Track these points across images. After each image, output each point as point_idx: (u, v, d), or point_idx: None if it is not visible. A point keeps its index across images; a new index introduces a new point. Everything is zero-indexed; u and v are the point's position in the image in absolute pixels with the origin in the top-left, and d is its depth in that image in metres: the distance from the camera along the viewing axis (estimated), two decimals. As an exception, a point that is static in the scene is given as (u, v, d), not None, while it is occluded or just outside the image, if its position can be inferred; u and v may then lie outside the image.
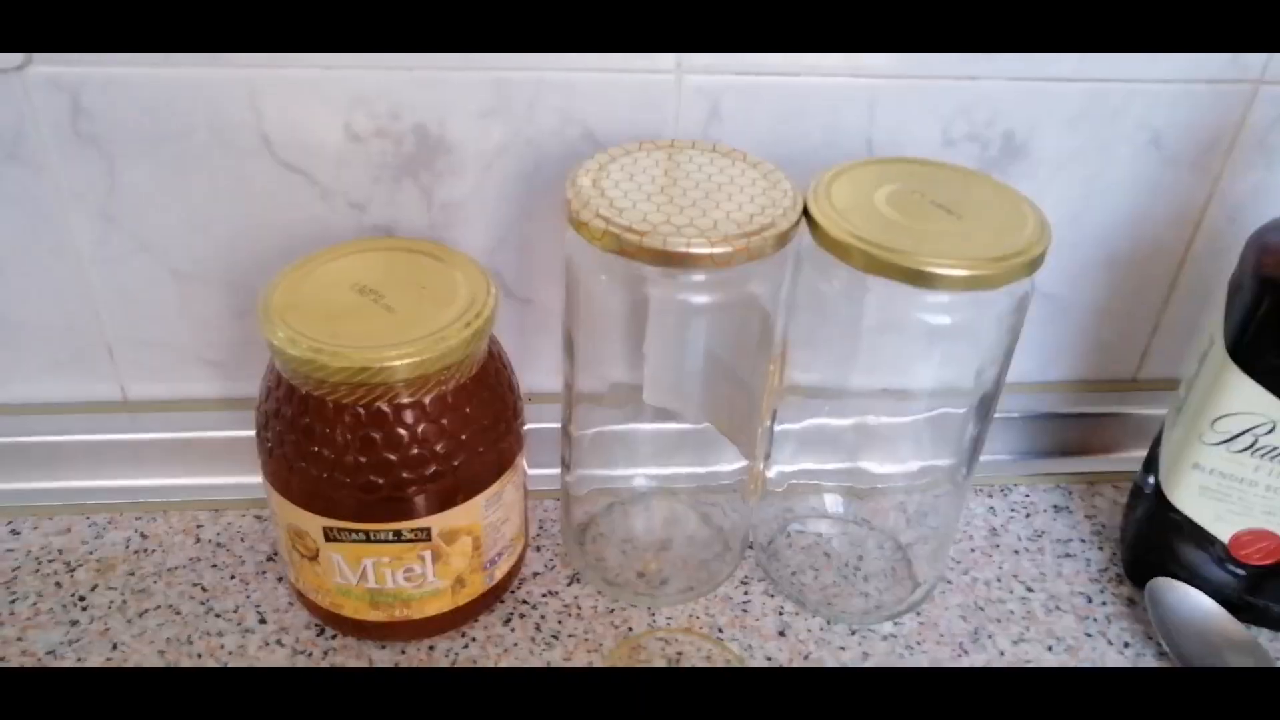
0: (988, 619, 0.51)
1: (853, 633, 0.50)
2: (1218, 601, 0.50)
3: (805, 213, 0.42)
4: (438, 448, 0.42)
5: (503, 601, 0.50)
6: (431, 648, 0.48)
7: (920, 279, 0.40)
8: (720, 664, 0.47)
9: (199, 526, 0.53)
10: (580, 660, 0.48)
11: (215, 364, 0.55)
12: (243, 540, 0.53)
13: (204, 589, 0.50)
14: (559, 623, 0.50)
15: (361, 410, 0.41)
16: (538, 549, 0.53)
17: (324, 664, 0.47)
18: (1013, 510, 0.58)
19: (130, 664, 0.47)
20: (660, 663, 0.47)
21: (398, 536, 0.43)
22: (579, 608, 0.50)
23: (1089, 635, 0.51)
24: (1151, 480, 0.52)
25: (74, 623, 0.48)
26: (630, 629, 0.50)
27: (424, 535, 0.44)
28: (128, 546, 0.52)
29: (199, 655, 0.47)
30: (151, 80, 0.46)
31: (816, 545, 0.54)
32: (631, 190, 0.42)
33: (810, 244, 0.43)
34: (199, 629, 0.48)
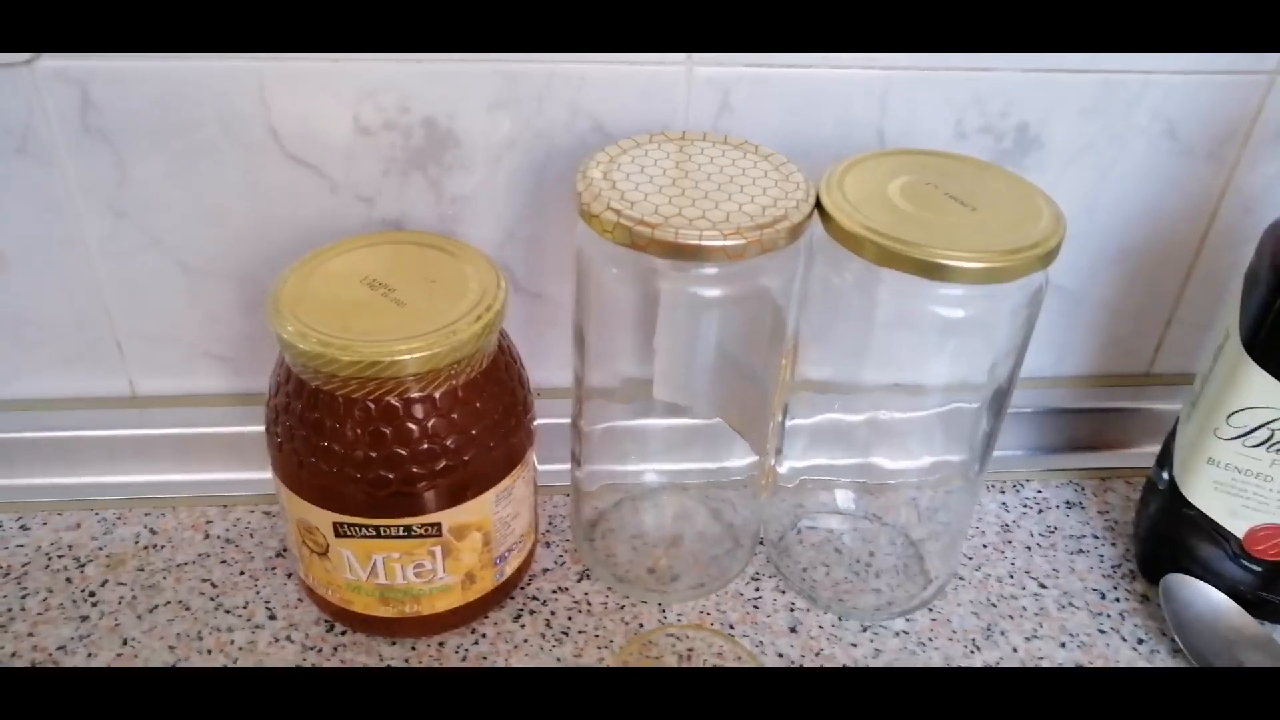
0: (1000, 615, 0.51)
1: (864, 629, 0.50)
2: (1232, 598, 0.50)
3: (818, 205, 0.42)
4: (448, 442, 0.42)
5: (513, 598, 0.50)
6: (441, 644, 0.48)
7: (934, 271, 0.39)
8: (731, 661, 0.47)
9: (208, 522, 0.53)
10: (591, 656, 0.48)
11: (224, 359, 0.55)
12: (252, 536, 0.53)
13: (213, 585, 0.50)
14: (569, 619, 0.49)
15: (371, 405, 0.41)
16: (547, 545, 0.53)
17: (334, 660, 0.47)
18: (1025, 506, 0.57)
19: (140, 659, 0.47)
20: (671, 659, 0.47)
21: (408, 532, 0.43)
22: (589, 604, 0.50)
23: (1102, 631, 0.51)
24: (1165, 475, 0.51)
25: (84, 618, 0.48)
26: (641, 625, 0.49)
27: (434, 530, 0.43)
28: (137, 542, 0.52)
29: (209, 651, 0.47)
30: (160, 73, 0.46)
31: (828, 541, 0.54)
32: (643, 183, 0.42)
33: (822, 236, 0.43)
34: (209, 625, 0.48)
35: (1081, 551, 0.55)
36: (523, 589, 0.51)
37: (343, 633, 0.48)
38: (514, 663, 0.47)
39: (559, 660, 0.48)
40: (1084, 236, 0.55)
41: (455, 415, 0.42)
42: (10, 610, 0.48)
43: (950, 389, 0.48)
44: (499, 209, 0.51)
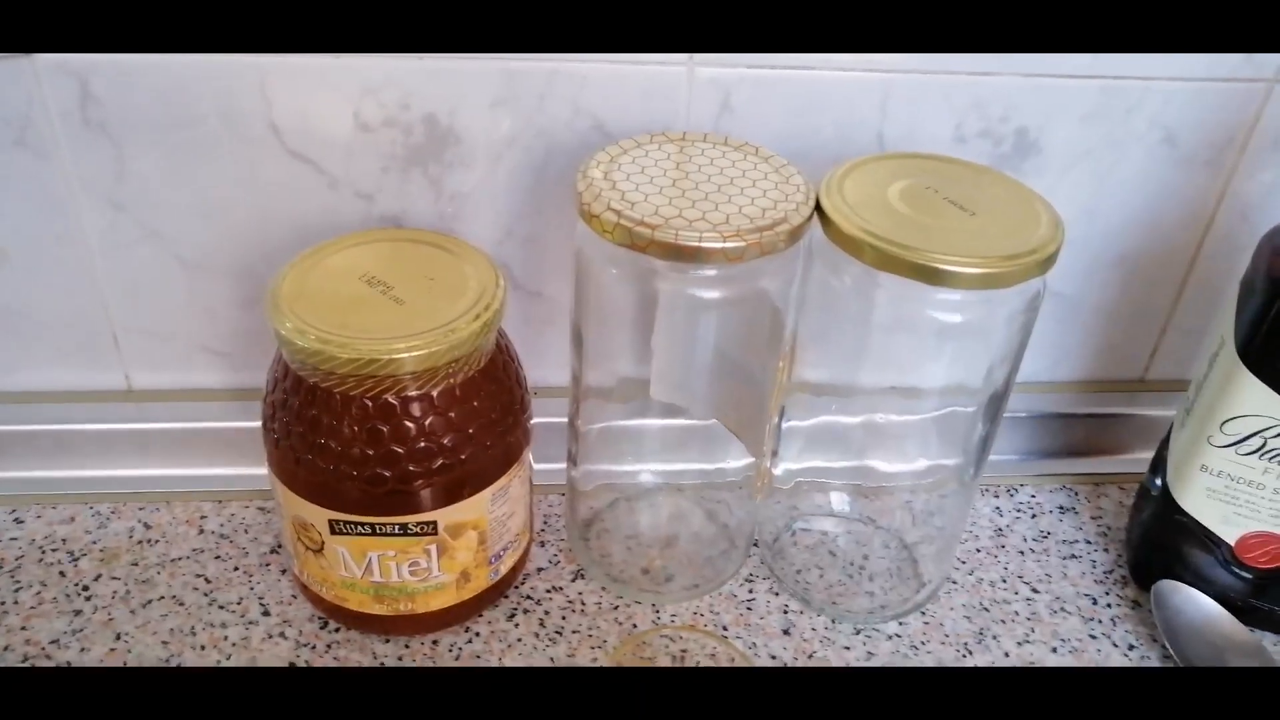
0: (992, 620, 0.51)
1: (857, 632, 0.50)
2: (1223, 605, 0.50)
3: (817, 208, 0.42)
4: (445, 441, 0.42)
5: (507, 597, 0.50)
6: (435, 642, 0.48)
7: (932, 276, 0.39)
8: (725, 662, 0.47)
9: (203, 517, 0.53)
10: (584, 656, 0.48)
11: (221, 354, 0.55)
12: (246, 532, 0.53)
13: (207, 580, 0.50)
14: (563, 619, 0.49)
15: (369, 402, 0.41)
16: (542, 544, 0.53)
17: (327, 657, 0.47)
18: (1018, 510, 0.57)
19: (133, 654, 0.47)
20: (665, 660, 0.47)
21: (403, 530, 0.43)
22: (583, 604, 0.50)
23: (1093, 637, 0.51)
24: (1158, 482, 0.51)
25: (77, 612, 0.48)
26: (635, 626, 0.49)
27: (430, 529, 0.43)
28: (131, 536, 0.52)
29: (202, 647, 0.47)
30: (161, 67, 0.46)
31: (822, 544, 0.54)
32: (643, 183, 0.42)
33: (821, 239, 0.43)
34: (202, 620, 0.48)
35: (1074, 557, 0.55)
36: (517, 588, 0.51)
37: (336, 630, 0.48)
38: (507, 662, 0.47)
39: (552, 660, 0.48)
40: (1081, 242, 0.55)
41: (453, 414, 0.42)
42: (3, 603, 0.48)
43: (946, 393, 0.48)
44: (498, 207, 0.51)
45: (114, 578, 0.50)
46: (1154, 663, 0.50)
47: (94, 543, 0.52)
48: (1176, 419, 0.51)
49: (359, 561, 0.44)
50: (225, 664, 0.46)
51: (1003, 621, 0.51)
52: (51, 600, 0.49)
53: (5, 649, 0.46)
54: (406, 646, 0.48)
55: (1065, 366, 0.61)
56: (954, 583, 0.53)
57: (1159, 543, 0.51)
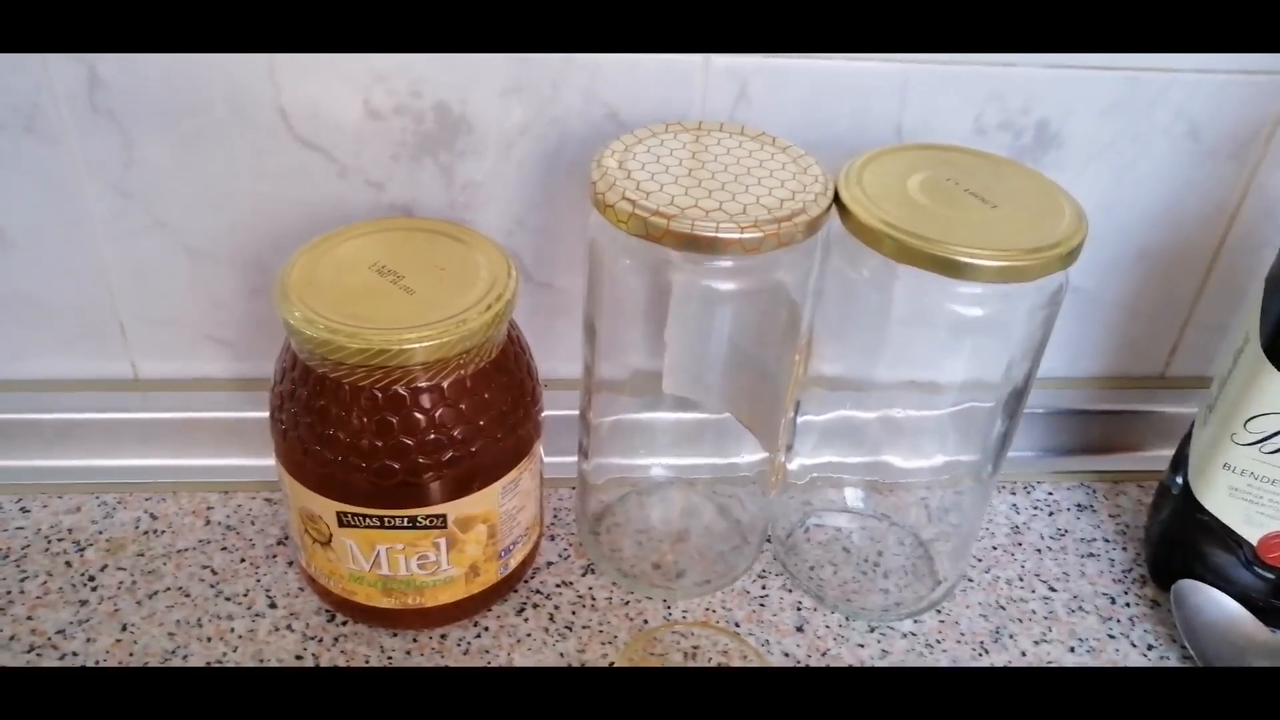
0: (1009, 618, 0.50)
1: (872, 630, 0.49)
2: (1244, 605, 0.49)
3: (836, 198, 0.41)
4: (455, 433, 0.41)
5: (516, 591, 0.50)
6: (443, 636, 0.47)
7: (952, 269, 0.39)
8: (737, 659, 0.46)
9: (209, 508, 0.53)
10: (594, 651, 0.47)
11: (228, 343, 0.54)
12: (253, 523, 0.52)
13: (214, 571, 0.50)
14: (573, 614, 0.49)
15: (378, 393, 0.40)
16: (552, 538, 0.53)
17: (334, 650, 0.47)
18: (1036, 508, 0.57)
19: (139, 645, 0.46)
20: (676, 657, 0.47)
21: (412, 523, 0.43)
22: (593, 599, 0.50)
23: (1112, 637, 0.50)
24: (1179, 480, 0.51)
25: (83, 603, 0.48)
26: (645, 621, 0.49)
27: (439, 522, 0.43)
28: (137, 527, 0.51)
29: (208, 639, 0.47)
30: (170, 54, 0.45)
31: (836, 540, 0.53)
32: (658, 173, 0.41)
33: (839, 231, 0.42)
34: (208, 612, 0.48)
35: (1092, 555, 0.54)
36: (526, 582, 0.50)
37: (344, 623, 0.48)
38: (516, 657, 0.47)
39: (562, 655, 0.47)
40: (1102, 236, 0.54)
41: (463, 406, 0.41)
42: (9, 593, 0.48)
43: (965, 388, 0.47)
44: (510, 196, 0.50)
45: (120, 568, 0.49)
46: (1173, 663, 0.49)
47: (100, 533, 0.51)
48: (1198, 416, 0.51)
49: (367, 554, 0.44)
50: (231, 656, 0.46)
51: (1019, 620, 0.50)
52: (57, 590, 0.48)
53: (11, 639, 0.46)
54: (414, 640, 0.47)
55: (1084, 362, 0.60)
56: (970, 581, 0.52)
57: (1179, 541, 0.51)
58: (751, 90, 0.48)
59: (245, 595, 0.49)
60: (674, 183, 0.40)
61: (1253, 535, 0.48)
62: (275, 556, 0.50)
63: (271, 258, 0.51)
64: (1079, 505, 0.57)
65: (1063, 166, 0.52)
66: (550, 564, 0.51)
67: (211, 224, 0.50)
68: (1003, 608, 0.51)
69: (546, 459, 0.49)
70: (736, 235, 0.38)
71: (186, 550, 0.50)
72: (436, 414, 0.41)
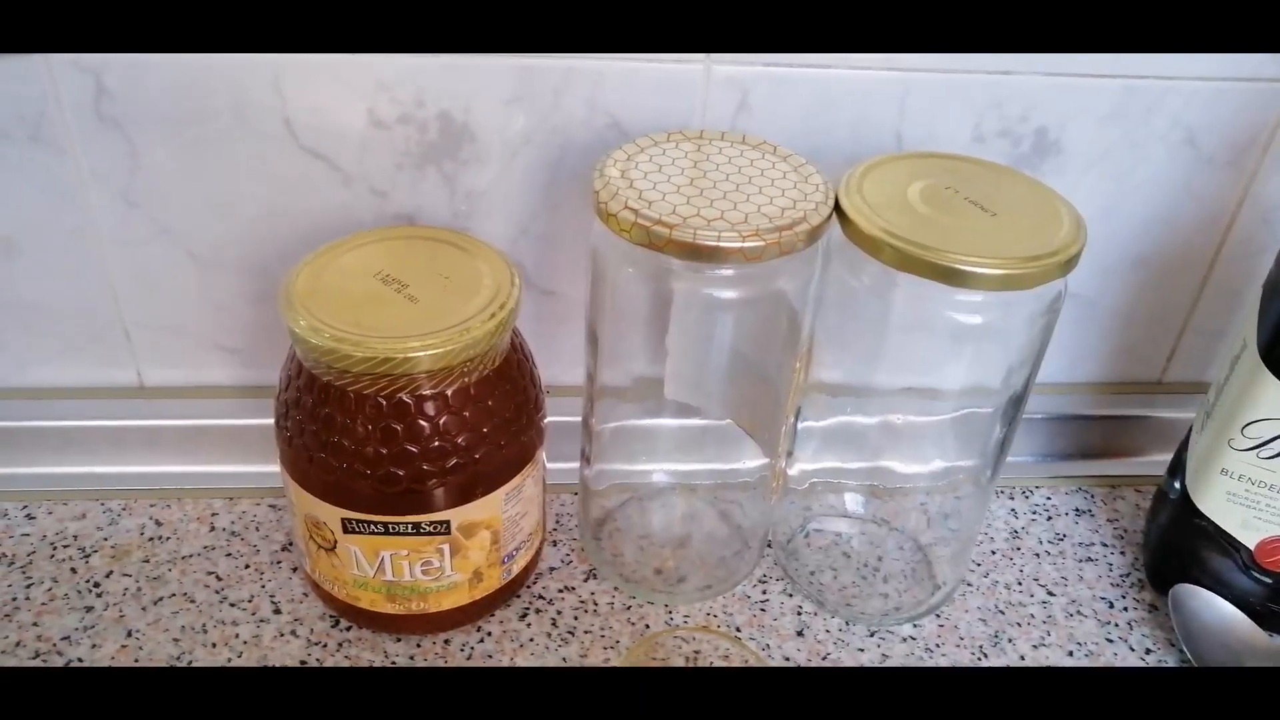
0: (1008, 623, 0.51)
1: (872, 634, 0.50)
2: (1241, 609, 0.49)
3: (836, 207, 0.42)
4: (459, 440, 0.42)
5: (519, 596, 0.50)
6: (447, 642, 0.48)
7: (952, 277, 0.39)
8: (738, 664, 0.47)
9: (214, 515, 0.53)
10: (596, 656, 0.48)
11: (233, 350, 0.55)
12: (258, 529, 0.52)
13: (219, 578, 0.50)
14: (575, 619, 0.49)
15: (383, 401, 0.40)
16: (554, 544, 0.53)
17: (338, 656, 0.47)
18: (1034, 512, 0.57)
19: (144, 652, 0.46)
20: (678, 662, 0.47)
21: (416, 529, 0.43)
22: (595, 604, 0.50)
23: (1110, 641, 0.50)
24: (1177, 485, 0.51)
25: (89, 609, 0.48)
26: (647, 626, 0.49)
27: (443, 528, 0.43)
28: (142, 533, 0.52)
29: (213, 645, 0.47)
30: (175, 63, 0.45)
31: (836, 545, 0.54)
32: (660, 182, 0.41)
33: (839, 239, 0.42)
34: (213, 618, 0.48)
35: (1090, 560, 0.54)
36: (529, 587, 0.50)
37: (348, 629, 0.48)
38: (519, 662, 0.47)
39: (564, 660, 0.47)
40: (1100, 242, 0.54)
41: (467, 413, 0.42)
42: (15, 600, 0.48)
43: (964, 394, 0.47)
44: (513, 205, 0.51)
45: (125, 574, 0.50)
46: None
47: (105, 539, 0.51)
48: (1196, 422, 0.51)
49: (371, 560, 0.44)
50: (236, 662, 0.46)
51: (1018, 624, 0.51)
52: (63, 597, 0.48)
53: (17, 645, 0.46)
54: (418, 646, 0.48)
55: (1082, 368, 0.60)
56: (969, 585, 0.52)
57: (1177, 546, 0.51)
58: (752, 99, 0.48)
59: (250, 601, 0.49)
60: (676, 192, 0.41)
61: (1250, 540, 0.48)
62: (280, 563, 0.51)
63: (276, 265, 0.51)
64: (1077, 510, 0.57)
65: (1061, 173, 0.52)
66: (553, 569, 0.52)
67: (216, 232, 0.50)
68: (1001, 612, 0.51)
69: (549, 465, 0.49)
70: (738, 244, 0.39)
71: (191, 556, 0.51)
72: (440, 421, 0.41)
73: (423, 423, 0.41)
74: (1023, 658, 0.49)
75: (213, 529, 0.52)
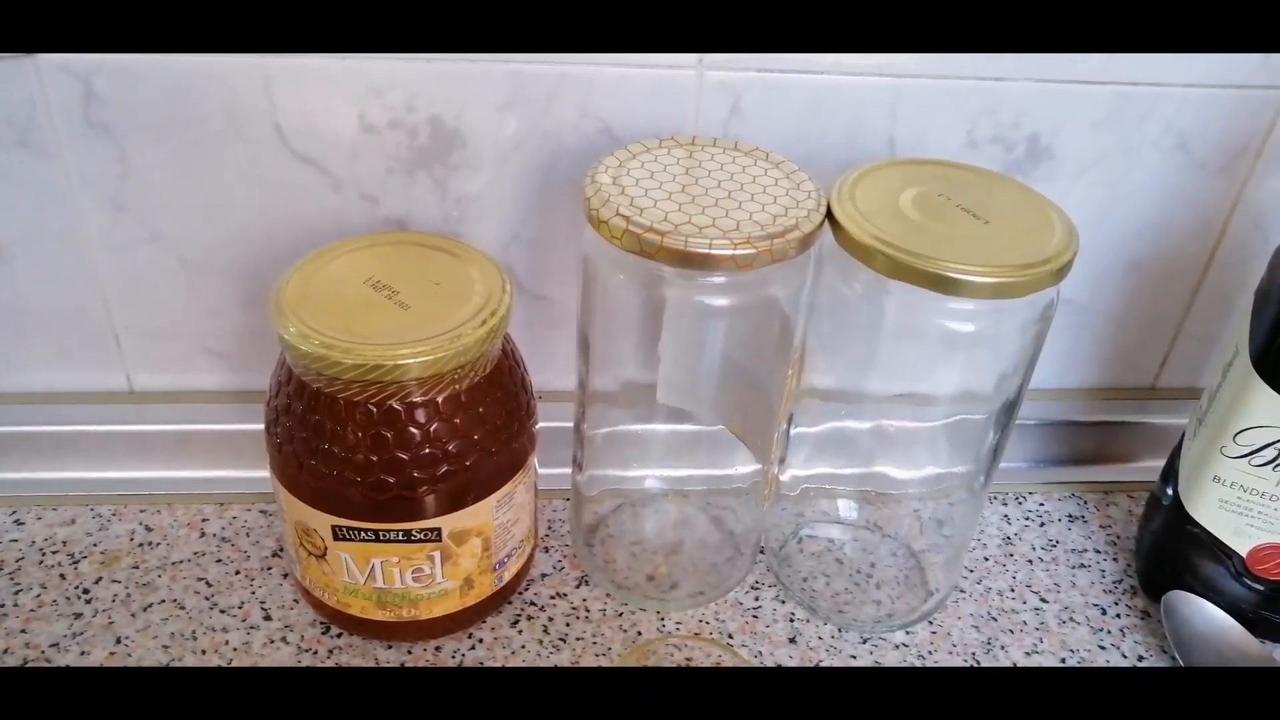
0: (1000, 630, 0.51)
1: (864, 641, 0.49)
2: (1233, 616, 0.49)
3: (829, 214, 0.42)
4: (450, 447, 0.41)
5: (510, 603, 0.50)
6: (438, 649, 0.48)
7: (944, 285, 0.39)
8: (731, 670, 0.47)
9: (204, 520, 0.53)
10: (588, 663, 0.47)
11: (223, 356, 0.54)
12: (248, 535, 0.52)
13: (209, 584, 0.50)
14: (567, 625, 0.49)
15: (373, 408, 0.40)
16: (546, 550, 0.53)
17: (329, 663, 0.47)
18: (1027, 519, 0.57)
19: (134, 659, 0.46)
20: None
21: (407, 536, 0.43)
22: (587, 610, 0.50)
23: (1102, 648, 0.50)
24: (1170, 491, 0.51)
25: (77, 615, 0.48)
26: (639, 633, 0.49)
27: (434, 535, 0.43)
28: (132, 539, 0.52)
29: (203, 652, 0.47)
30: (165, 67, 0.45)
31: (829, 551, 0.54)
32: (652, 189, 0.41)
33: (831, 245, 0.42)
34: (203, 624, 0.48)
35: (1083, 566, 0.54)
36: (521, 594, 0.50)
37: (339, 635, 0.48)
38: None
39: (556, 667, 0.47)
40: (1092, 248, 0.54)
41: (458, 420, 0.41)
42: (3, 606, 0.48)
43: (957, 401, 0.47)
44: (504, 210, 0.51)
45: (115, 580, 0.49)
46: (1163, 675, 0.49)
47: (95, 545, 0.51)
48: (1188, 428, 0.51)
49: (362, 567, 0.44)
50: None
51: (1011, 631, 0.51)
52: (51, 603, 0.48)
53: (5, 652, 0.46)
54: (409, 653, 0.47)
55: (1075, 374, 0.60)
56: (962, 592, 0.52)
57: (1169, 553, 0.51)
58: (745, 105, 0.48)
59: (240, 608, 0.49)
60: (667, 198, 0.41)
61: (1242, 547, 0.48)
62: (270, 569, 0.51)
63: (267, 270, 0.51)
64: (1070, 516, 0.57)
65: (1054, 179, 0.52)
66: (545, 576, 0.51)
67: (207, 237, 0.50)
68: (994, 619, 0.51)
69: (541, 470, 0.49)
70: (729, 252, 0.38)
71: (181, 562, 0.51)
72: (431, 428, 0.41)
73: (413, 429, 0.41)
74: (1015, 665, 0.49)
75: (203, 535, 0.52)
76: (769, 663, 0.48)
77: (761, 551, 0.53)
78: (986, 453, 0.47)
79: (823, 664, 0.48)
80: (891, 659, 0.49)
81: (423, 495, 0.42)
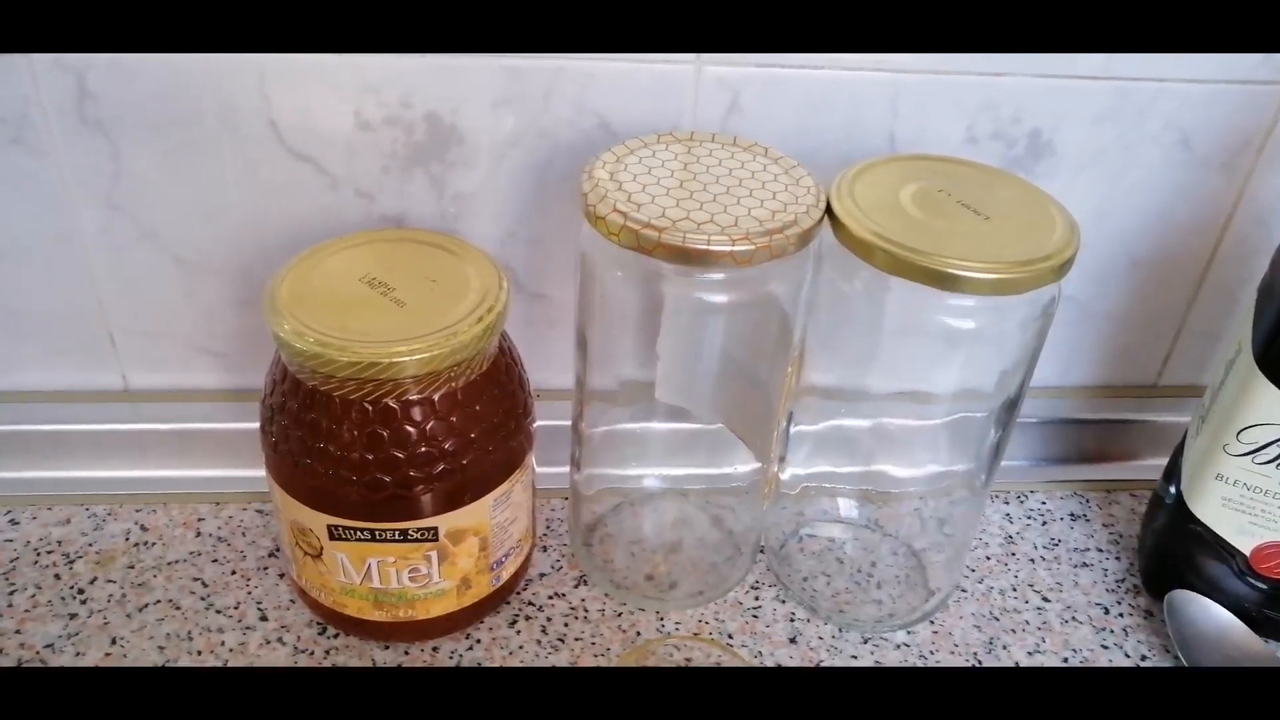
0: (1002, 629, 0.50)
1: (865, 641, 0.49)
2: (1237, 615, 0.49)
3: (828, 210, 0.41)
4: (446, 446, 0.41)
5: (508, 603, 0.49)
6: (435, 649, 0.47)
7: (944, 281, 0.39)
8: (730, 670, 0.46)
9: (200, 520, 0.52)
10: (586, 664, 0.47)
11: (218, 354, 0.54)
12: (244, 535, 0.52)
13: (204, 584, 0.49)
14: (565, 625, 0.49)
15: (369, 406, 0.40)
16: (544, 549, 0.52)
17: (325, 663, 0.46)
18: (1029, 517, 0.57)
19: (129, 659, 0.46)
20: (669, 668, 0.46)
21: (404, 536, 0.42)
22: (586, 610, 0.49)
23: (1105, 647, 0.50)
24: (1173, 490, 0.50)
25: (73, 615, 0.47)
26: (638, 633, 0.49)
27: (430, 535, 0.43)
28: (127, 539, 0.51)
29: (199, 652, 0.46)
30: (160, 65, 0.45)
31: (829, 550, 0.53)
32: (650, 184, 0.41)
33: (831, 242, 0.42)
34: (199, 625, 0.47)
35: (1085, 565, 0.54)
36: (519, 594, 0.50)
37: (335, 636, 0.47)
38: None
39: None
40: (1094, 245, 0.54)
41: (454, 418, 0.41)
42: (-3, 607, 0.48)
43: (958, 398, 0.47)
44: (501, 207, 0.50)
45: (110, 581, 0.49)
46: (1166, 674, 0.49)
47: (90, 545, 0.51)
48: (1191, 426, 0.51)
49: (358, 567, 0.43)
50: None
51: (1013, 631, 0.50)
52: (46, 603, 0.48)
53: (0, 653, 0.46)
54: (406, 653, 0.47)
55: (1077, 371, 0.60)
56: (963, 591, 0.52)
57: (1172, 552, 0.51)
58: (743, 100, 0.48)
59: (236, 608, 0.48)
60: (665, 194, 0.40)
61: (1246, 546, 0.48)
62: (266, 569, 0.50)
63: (262, 269, 0.51)
64: (1072, 515, 0.57)
65: (1055, 176, 0.52)
66: (543, 575, 0.51)
67: (202, 235, 0.50)
68: (996, 618, 0.51)
69: (539, 469, 0.49)
70: (728, 248, 0.38)
71: (177, 562, 0.50)
72: (427, 427, 0.41)
73: (409, 428, 0.40)
74: (1017, 664, 0.49)
75: (199, 534, 0.52)
76: (769, 663, 0.48)
77: (761, 551, 0.53)
78: (988, 451, 0.47)
79: (823, 664, 0.48)
80: (893, 659, 0.48)
81: (419, 494, 0.41)
